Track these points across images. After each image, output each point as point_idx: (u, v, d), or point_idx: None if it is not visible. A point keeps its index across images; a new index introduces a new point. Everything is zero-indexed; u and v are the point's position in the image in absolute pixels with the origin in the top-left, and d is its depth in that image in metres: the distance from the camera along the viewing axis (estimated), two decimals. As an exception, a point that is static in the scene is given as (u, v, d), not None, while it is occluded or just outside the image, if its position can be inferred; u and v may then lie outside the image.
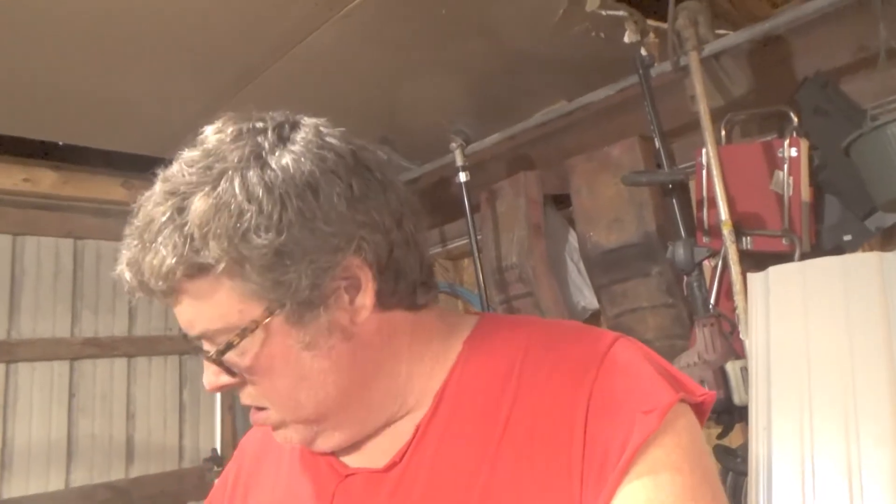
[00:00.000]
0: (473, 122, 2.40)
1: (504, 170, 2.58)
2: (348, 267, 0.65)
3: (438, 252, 2.83)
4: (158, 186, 0.65)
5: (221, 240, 0.60)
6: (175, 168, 0.65)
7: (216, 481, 0.92)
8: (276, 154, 0.64)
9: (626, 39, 1.86)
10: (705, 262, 1.81)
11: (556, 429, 0.63)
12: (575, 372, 0.65)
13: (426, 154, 2.61)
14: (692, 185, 1.94)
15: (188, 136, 0.69)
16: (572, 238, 2.39)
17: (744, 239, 1.75)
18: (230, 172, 0.62)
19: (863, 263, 1.42)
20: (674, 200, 1.85)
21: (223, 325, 0.64)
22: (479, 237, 2.42)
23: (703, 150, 1.80)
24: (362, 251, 0.66)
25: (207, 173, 0.63)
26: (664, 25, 1.84)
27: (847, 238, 1.73)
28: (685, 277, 1.82)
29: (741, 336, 1.61)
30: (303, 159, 0.64)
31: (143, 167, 2.51)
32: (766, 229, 1.76)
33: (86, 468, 2.61)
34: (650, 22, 1.91)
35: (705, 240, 1.87)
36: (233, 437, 2.97)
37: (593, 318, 2.38)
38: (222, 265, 0.61)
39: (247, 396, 0.70)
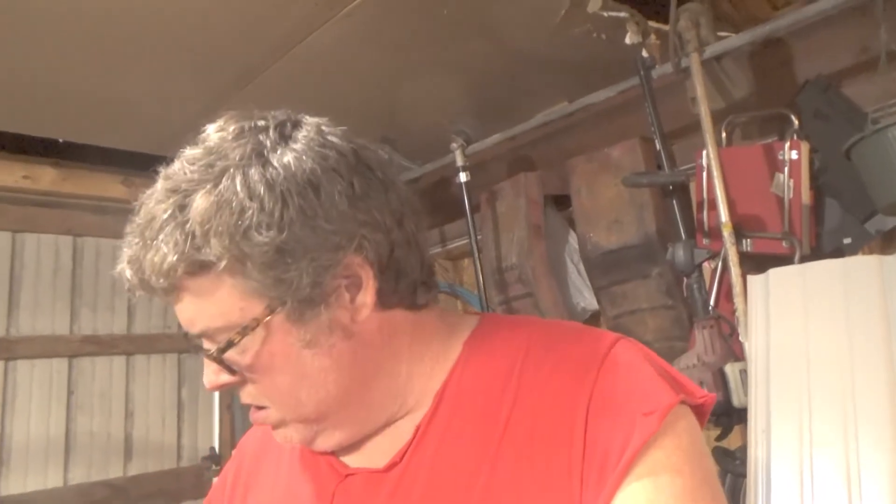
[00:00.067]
0: (474, 123, 2.40)
1: (504, 170, 2.58)
2: (349, 265, 0.65)
3: (438, 252, 2.83)
4: (160, 184, 0.65)
5: (223, 237, 0.60)
6: (177, 166, 0.66)
7: (215, 480, 0.92)
8: (278, 152, 0.64)
9: (628, 41, 1.86)
10: (705, 264, 1.81)
11: (557, 429, 0.63)
12: (575, 372, 0.65)
13: (427, 154, 2.61)
14: (692, 186, 1.94)
15: (188, 134, 0.69)
16: (572, 239, 2.39)
17: (744, 241, 1.75)
18: (232, 170, 0.63)
19: (863, 266, 1.42)
20: (674, 202, 1.85)
21: (224, 322, 0.64)
22: (479, 237, 2.42)
23: (704, 152, 1.80)
24: (363, 250, 0.66)
25: (209, 171, 0.63)
26: (665, 27, 1.84)
27: (847, 241, 1.73)
28: (685, 279, 1.82)
29: (741, 338, 1.61)
30: (304, 157, 0.64)
31: (142, 165, 2.52)
32: (767, 232, 1.76)
33: (84, 466, 2.61)
34: (651, 23, 1.91)
35: (705, 241, 1.87)
36: (231, 435, 2.97)
37: (593, 320, 2.37)
38: (223, 262, 0.61)
39: (247, 395, 0.70)
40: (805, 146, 1.74)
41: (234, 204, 0.61)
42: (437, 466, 0.67)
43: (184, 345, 2.66)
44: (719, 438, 1.68)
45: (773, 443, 1.39)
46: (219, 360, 0.66)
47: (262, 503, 0.80)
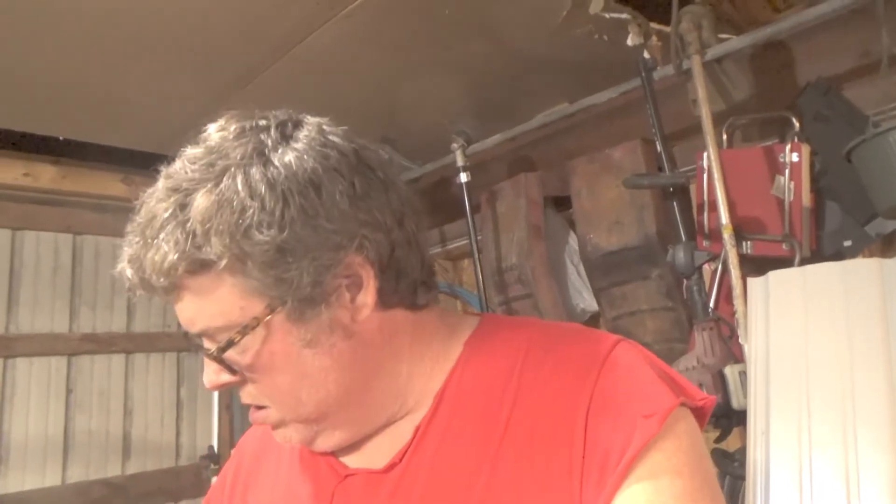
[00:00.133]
0: (475, 123, 2.40)
1: (505, 171, 2.58)
2: (350, 265, 0.65)
3: (438, 252, 2.83)
4: (161, 183, 0.65)
5: (223, 236, 0.60)
6: (178, 165, 0.66)
7: (214, 480, 0.92)
8: (279, 151, 0.64)
9: (629, 42, 1.86)
10: (705, 266, 1.81)
11: (557, 430, 0.63)
12: (576, 374, 0.65)
13: (427, 154, 2.61)
14: (693, 188, 1.94)
15: (188, 133, 0.69)
16: (572, 240, 2.39)
17: (744, 243, 1.75)
18: (233, 169, 0.63)
19: (863, 269, 1.42)
20: (674, 204, 1.85)
21: (224, 322, 0.64)
22: (478, 238, 2.42)
23: (705, 154, 1.80)
24: (364, 249, 0.66)
25: (210, 170, 0.63)
26: (667, 29, 1.85)
27: (847, 244, 1.73)
28: (685, 281, 1.82)
29: (740, 340, 1.61)
30: (305, 157, 0.64)
31: (142, 163, 2.53)
32: (767, 234, 1.76)
33: (82, 464, 2.61)
34: (653, 25, 1.91)
35: (705, 243, 1.87)
36: (230, 434, 2.97)
37: (592, 321, 2.38)
38: (224, 261, 0.61)
39: (247, 395, 0.70)
40: (806, 149, 1.74)
41: (234, 203, 0.61)
42: (437, 467, 0.67)
43: (183, 343, 2.67)
44: (719, 440, 1.68)
45: (773, 445, 1.39)
46: (219, 359, 0.66)
47: (262, 503, 0.80)
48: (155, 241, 0.62)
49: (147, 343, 2.85)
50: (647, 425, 0.60)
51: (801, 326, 1.44)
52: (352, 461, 0.74)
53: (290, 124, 0.68)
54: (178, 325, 0.68)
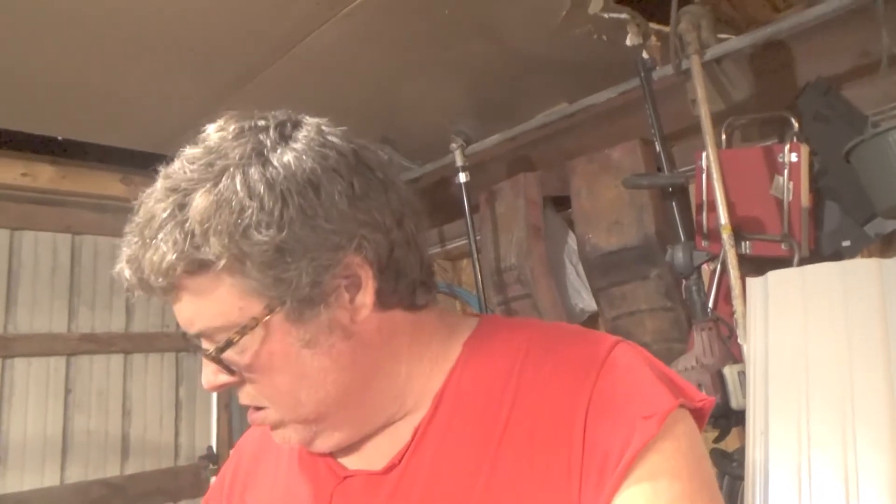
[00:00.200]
0: (474, 123, 2.40)
1: (504, 171, 2.58)
2: (349, 265, 0.65)
3: (437, 252, 2.83)
4: (160, 183, 0.65)
5: (222, 236, 0.60)
6: (176, 165, 0.66)
7: (213, 480, 0.91)
8: (278, 151, 0.64)
9: (628, 42, 1.86)
10: (704, 266, 1.81)
11: (556, 431, 0.63)
12: (575, 375, 0.65)
13: (426, 154, 2.61)
14: (692, 188, 1.94)
15: (188, 133, 0.69)
16: (571, 240, 2.39)
17: (743, 243, 1.75)
18: (232, 169, 0.62)
19: (862, 269, 1.42)
20: (673, 204, 1.85)
21: (223, 322, 0.64)
22: (478, 238, 2.42)
23: (704, 154, 1.80)
24: (363, 250, 0.65)
25: (209, 170, 0.63)
26: (666, 29, 1.84)
27: (846, 244, 1.73)
28: (684, 281, 1.82)
29: (739, 340, 1.61)
30: (304, 157, 0.64)
31: (141, 163, 2.53)
32: (766, 234, 1.76)
33: (81, 464, 2.61)
34: (652, 25, 1.91)
35: (704, 243, 1.87)
36: (229, 435, 2.97)
37: (591, 321, 2.38)
38: (223, 261, 0.61)
39: (245, 396, 0.70)
40: (805, 149, 1.74)
41: (233, 203, 0.61)
42: (436, 468, 0.67)
43: (182, 344, 2.67)
44: (717, 440, 1.68)
45: (772, 445, 1.39)
46: (217, 359, 0.65)
47: (261, 503, 0.80)
48: (153, 241, 0.62)
49: (146, 343, 2.85)
50: (646, 426, 0.60)
51: (800, 326, 1.44)
52: (351, 462, 0.74)
53: (288, 125, 0.68)
54: (177, 325, 0.68)
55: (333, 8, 1.66)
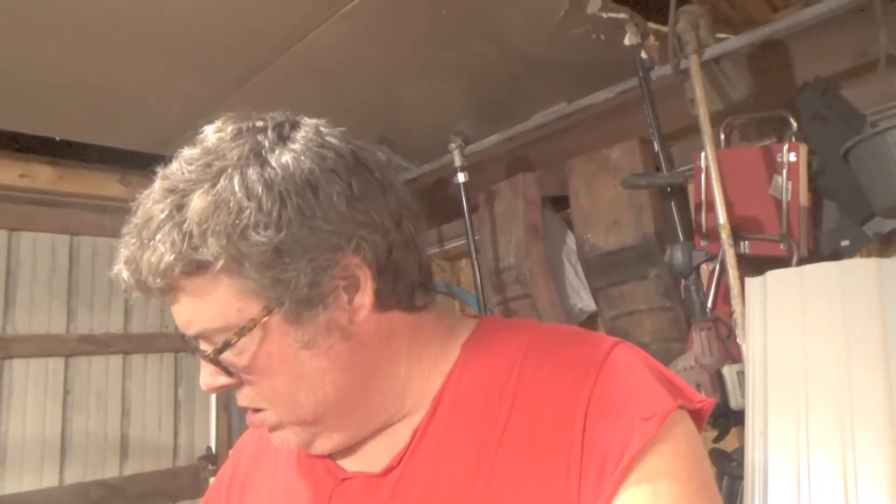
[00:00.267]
0: (473, 123, 2.40)
1: (503, 171, 2.58)
2: (347, 266, 0.65)
3: (436, 252, 2.83)
4: (157, 184, 0.65)
5: (220, 237, 0.60)
6: (174, 166, 0.65)
7: (212, 481, 0.91)
8: (276, 152, 0.64)
9: (627, 42, 1.86)
10: (703, 266, 1.80)
11: (555, 432, 0.63)
12: (574, 376, 0.65)
13: (425, 154, 2.61)
14: (691, 188, 1.94)
15: (186, 133, 0.69)
16: (570, 240, 2.39)
17: (742, 243, 1.75)
18: (230, 170, 0.62)
19: (860, 269, 1.42)
20: (672, 203, 1.85)
21: (221, 323, 0.64)
22: (476, 238, 2.42)
23: (703, 154, 1.80)
24: (361, 250, 0.65)
25: (207, 171, 0.63)
26: (665, 28, 1.84)
27: (845, 243, 1.73)
28: (683, 281, 1.82)
29: (738, 340, 1.61)
30: (303, 158, 0.64)
31: (140, 164, 2.52)
32: (765, 233, 1.76)
33: (80, 465, 2.60)
34: (651, 25, 1.91)
35: (703, 243, 1.87)
36: (228, 435, 2.97)
37: (590, 321, 2.38)
38: (221, 262, 0.61)
39: (244, 398, 0.70)
40: (803, 148, 1.74)
41: (231, 204, 0.61)
42: (435, 470, 0.67)
43: (181, 344, 2.65)
44: (717, 440, 1.68)
45: (771, 445, 1.39)
46: (215, 361, 0.65)
47: (259, 505, 0.80)
48: (151, 242, 0.62)
49: (144, 344, 2.85)
50: (646, 428, 0.60)
51: (799, 326, 1.44)
52: (349, 464, 0.74)
53: (287, 125, 0.68)
54: (176, 325, 0.67)
55: (331, 8, 1.65)
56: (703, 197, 1.88)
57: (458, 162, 2.35)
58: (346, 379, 0.68)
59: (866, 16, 1.59)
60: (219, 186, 0.62)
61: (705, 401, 0.66)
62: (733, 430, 1.67)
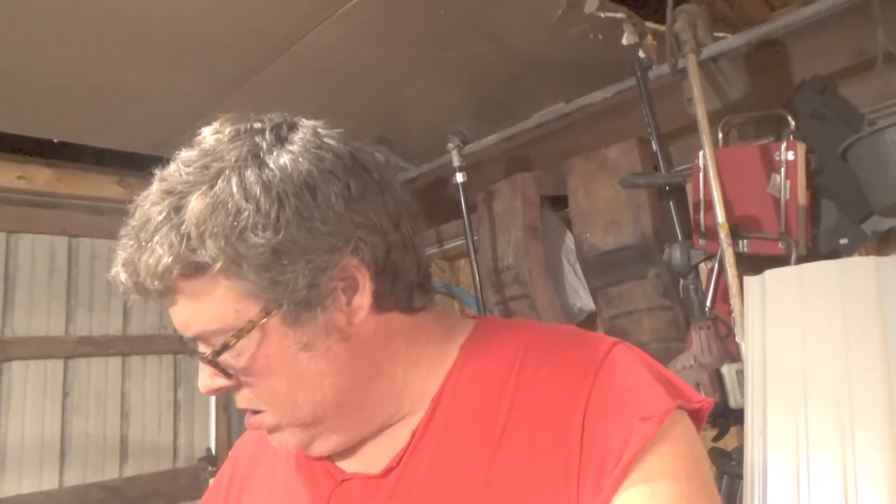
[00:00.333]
0: (471, 123, 2.40)
1: (501, 171, 2.58)
2: (346, 267, 0.65)
3: (435, 252, 2.83)
4: (155, 186, 0.65)
5: (218, 238, 0.60)
6: (172, 168, 0.65)
7: (211, 482, 0.91)
8: (274, 154, 0.64)
9: (625, 42, 1.86)
10: (702, 265, 1.81)
11: (554, 433, 0.63)
12: (573, 376, 0.65)
13: (424, 154, 2.60)
14: (689, 187, 1.94)
15: (185, 134, 0.69)
16: (569, 240, 2.39)
17: (740, 242, 1.75)
18: (227, 172, 0.62)
19: (859, 267, 1.42)
20: (671, 203, 1.85)
21: (219, 325, 0.64)
22: (475, 238, 2.42)
23: (701, 153, 1.80)
24: (360, 252, 0.65)
25: (205, 172, 0.63)
26: (662, 28, 1.84)
27: (843, 242, 1.73)
28: (681, 280, 1.82)
29: (737, 339, 1.61)
30: (301, 159, 0.64)
31: (138, 165, 2.52)
32: (763, 232, 1.76)
33: (79, 467, 2.60)
34: (648, 24, 1.91)
35: (702, 242, 1.87)
36: (228, 436, 2.96)
37: (589, 320, 2.38)
38: (219, 264, 0.61)
39: (242, 399, 0.70)
40: (801, 147, 1.74)
41: (229, 205, 0.61)
42: (434, 471, 0.67)
43: (180, 346, 2.64)
44: (716, 439, 1.68)
45: (770, 444, 1.39)
46: (214, 363, 0.65)
47: (257, 506, 0.80)
48: (149, 244, 0.62)
49: (144, 345, 2.84)
50: (644, 428, 0.60)
51: (798, 325, 1.44)
52: (348, 466, 0.74)
53: (284, 127, 0.68)
54: (175, 327, 0.67)
55: (330, 8, 1.65)
56: (701, 196, 1.88)
57: (456, 162, 2.35)
58: (344, 380, 0.68)
59: (864, 14, 1.59)
60: (217, 188, 0.62)
61: (704, 401, 0.67)
62: (733, 429, 1.67)
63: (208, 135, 0.67)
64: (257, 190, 0.61)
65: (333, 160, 0.66)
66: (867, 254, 1.72)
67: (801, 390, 1.38)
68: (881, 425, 1.26)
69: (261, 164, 0.63)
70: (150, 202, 0.64)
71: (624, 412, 0.62)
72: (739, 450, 1.54)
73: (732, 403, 1.58)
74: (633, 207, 2.08)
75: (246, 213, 0.60)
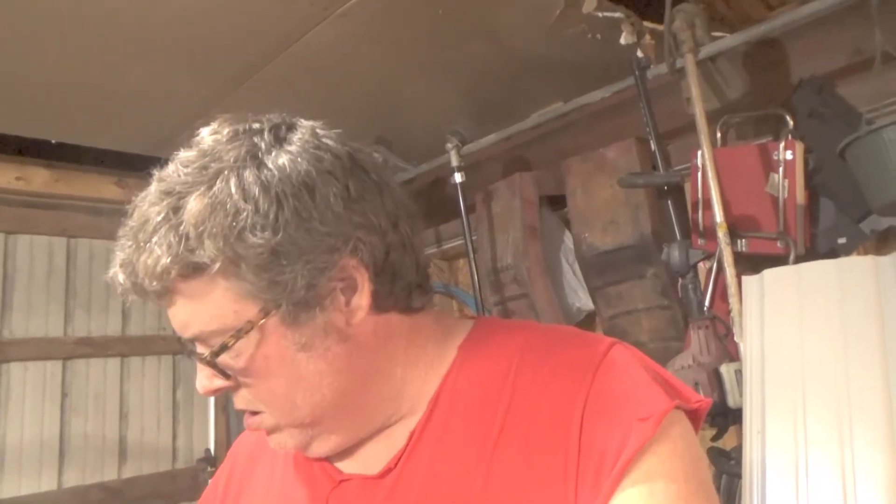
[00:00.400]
0: (469, 123, 2.40)
1: (500, 171, 2.58)
2: (344, 268, 0.65)
3: (434, 252, 2.83)
4: (153, 186, 0.65)
5: (217, 239, 0.60)
6: (170, 168, 0.65)
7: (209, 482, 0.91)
8: (273, 154, 0.64)
9: (623, 41, 1.86)
10: (700, 265, 1.81)
11: (552, 433, 0.63)
12: (571, 376, 0.65)
13: (422, 154, 2.60)
14: (688, 187, 1.94)
15: (183, 134, 0.69)
16: (568, 239, 2.39)
17: (739, 241, 1.75)
18: (226, 172, 0.62)
19: (857, 267, 1.42)
20: (669, 202, 1.85)
21: (218, 326, 0.64)
22: (474, 238, 2.42)
23: (699, 153, 1.80)
24: (358, 252, 0.65)
25: (203, 173, 0.63)
26: (661, 27, 1.84)
27: (842, 241, 1.74)
28: (680, 279, 1.82)
29: (736, 339, 1.61)
30: (299, 159, 0.64)
31: (136, 165, 2.52)
32: (762, 232, 1.76)
33: (78, 468, 2.60)
34: (647, 24, 1.91)
35: (700, 242, 1.87)
36: (227, 437, 2.96)
37: (588, 320, 2.38)
38: (218, 265, 0.61)
39: (241, 400, 0.70)
40: (800, 146, 1.74)
41: (228, 205, 0.61)
42: (432, 472, 0.67)
43: (178, 347, 2.63)
44: (715, 439, 1.68)
45: (769, 443, 1.39)
46: (212, 363, 0.65)
47: (256, 506, 0.80)
48: (147, 244, 0.62)
49: (142, 346, 2.84)
50: (643, 428, 0.60)
51: (797, 324, 1.44)
52: (346, 466, 0.74)
53: (283, 127, 0.68)
54: (173, 328, 0.67)
55: (329, 8, 1.65)
56: (699, 195, 1.88)
57: (454, 162, 2.35)
58: (343, 381, 0.68)
59: (862, 13, 1.59)
60: (215, 189, 0.61)
61: (702, 401, 0.67)
62: (731, 429, 1.67)
63: (207, 135, 0.67)
64: (256, 190, 0.61)
65: (332, 161, 0.66)
66: (865, 253, 1.72)
67: (799, 389, 1.38)
68: (880, 424, 1.26)
69: (259, 165, 0.63)
70: (148, 203, 0.64)
71: (622, 412, 0.62)
72: (738, 449, 1.55)
73: (731, 403, 1.58)
74: (632, 207, 2.09)
75: (244, 213, 0.60)
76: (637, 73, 1.88)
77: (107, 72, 1.88)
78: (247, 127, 0.67)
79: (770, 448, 1.38)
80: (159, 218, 0.62)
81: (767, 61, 1.90)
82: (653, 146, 1.87)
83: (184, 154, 0.66)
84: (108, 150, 2.47)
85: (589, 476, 0.60)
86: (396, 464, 0.69)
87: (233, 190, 0.61)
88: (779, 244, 1.73)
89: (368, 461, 0.72)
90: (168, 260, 0.61)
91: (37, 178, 2.56)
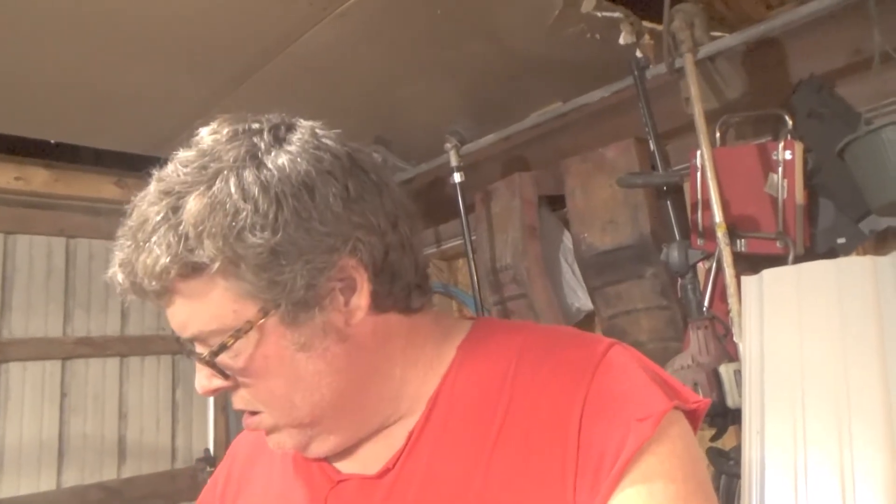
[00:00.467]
0: (469, 123, 2.40)
1: (499, 170, 2.58)
2: (344, 268, 0.65)
3: (433, 252, 2.83)
4: (153, 186, 0.65)
5: (216, 239, 0.60)
6: (170, 168, 0.65)
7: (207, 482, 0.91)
8: (272, 154, 0.64)
9: (622, 41, 1.86)
10: (699, 265, 1.81)
11: (551, 434, 0.63)
12: (570, 377, 0.65)
13: (421, 154, 2.60)
14: (687, 187, 1.94)
15: (182, 134, 0.69)
16: (567, 239, 2.39)
17: (738, 241, 1.75)
18: (225, 172, 0.62)
19: (856, 267, 1.42)
20: (668, 202, 1.85)
21: (217, 325, 0.64)
22: (473, 238, 2.42)
23: (698, 152, 1.80)
24: (358, 252, 0.65)
25: (203, 173, 0.63)
26: (660, 27, 1.84)
27: (841, 241, 1.74)
28: (679, 279, 1.82)
29: (735, 339, 1.61)
30: (299, 159, 0.64)
31: (136, 165, 2.52)
32: (761, 232, 1.76)
33: (77, 468, 2.60)
34: (645, 24, 1.91)
35: (700, 242, 1.87)
36: (226, 437, 2.96)
37: (587, 320, 2.38)
38: (217, 264, 0.61)
39: (239, 400, 0.70)
40: (799, 146, 1.75)
41: (227, 205, 0.61)
42: (431, 472, 0.67)
43: (178, 346, 2.63)
44: (714, 439, 1.68)
45: (768, 443, 1.39)
46: (211, 363, 0.65)
47: (254, 506, 0.80)
48: (147, 244, 0.62)
49: (142, 346, 2.84)
50: (641, 429, 0.60)
51: (796, 324, 1.44)
52: (345, 467, 0.74)
53: (282, 127, 0.68)
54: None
55: (328, 8, 1.65)
56: (699, 195, 1.88)
57: (454, 162, 2.35)
58: (342, 381, 0.68)
59: (861, 13, 1.59)
60: (215, 188, 0.62)
61: (701, 401, 0.67)
62: (731, 429, 1.67)
63: (206, 135, 0.67)
64: (255, 190, 0.61)
65: (331, 161, 0.66)
66: (864, 253, 1.72)
67: (798, 389, 1.38)
68: (878, 424, 1.27)
69: (259, 165, 0.63)
70: (147, 202, 0.64)
71: (621, 413, 0.62)
72: (737, 449, 1.55)
73: (730, 403, 1.59)
74: (631, 207, 2.09)
75: (244, 213, 0.60)
76: (636, 72, 1.88)
77: (106, 72, 1.88)
78: (246, 127, 0.67)
79: (769, 448, 1.38)
80: (158, 218, 0.62)
81: (766, 61, 1.90)
82: (652, 146, 1.87)
83: (183, 154, 0.66)
84: (107, 150, 2.48)
85: (588, 476, 0.60)
86: (395, 464, 0.69)
87: (232, 190, 0.61)
88: (778, 244, 1.73)
89: (367, 461, 0.72)
90: (167, 260, 0.61)
91: (36, 177, 2.56)
